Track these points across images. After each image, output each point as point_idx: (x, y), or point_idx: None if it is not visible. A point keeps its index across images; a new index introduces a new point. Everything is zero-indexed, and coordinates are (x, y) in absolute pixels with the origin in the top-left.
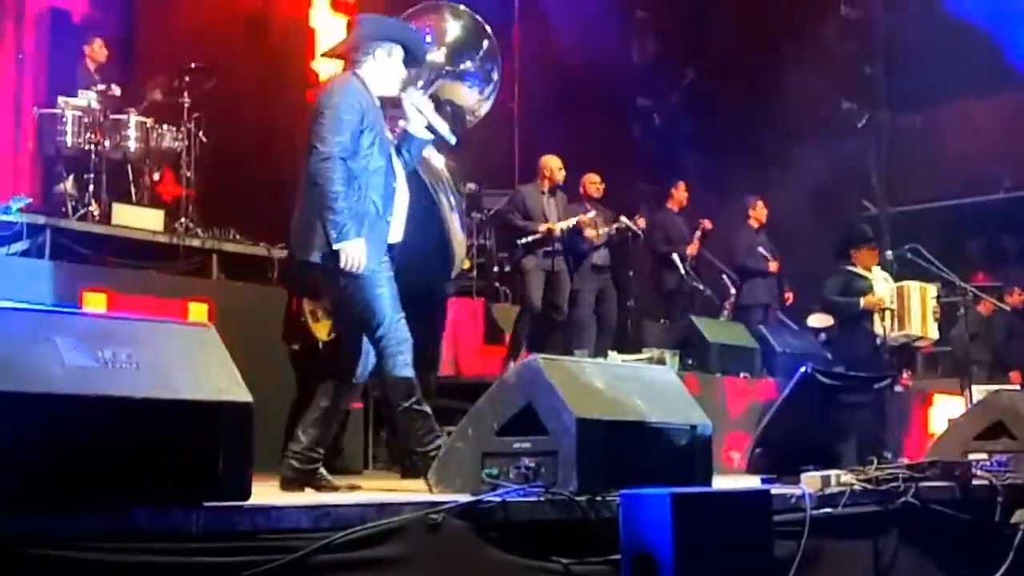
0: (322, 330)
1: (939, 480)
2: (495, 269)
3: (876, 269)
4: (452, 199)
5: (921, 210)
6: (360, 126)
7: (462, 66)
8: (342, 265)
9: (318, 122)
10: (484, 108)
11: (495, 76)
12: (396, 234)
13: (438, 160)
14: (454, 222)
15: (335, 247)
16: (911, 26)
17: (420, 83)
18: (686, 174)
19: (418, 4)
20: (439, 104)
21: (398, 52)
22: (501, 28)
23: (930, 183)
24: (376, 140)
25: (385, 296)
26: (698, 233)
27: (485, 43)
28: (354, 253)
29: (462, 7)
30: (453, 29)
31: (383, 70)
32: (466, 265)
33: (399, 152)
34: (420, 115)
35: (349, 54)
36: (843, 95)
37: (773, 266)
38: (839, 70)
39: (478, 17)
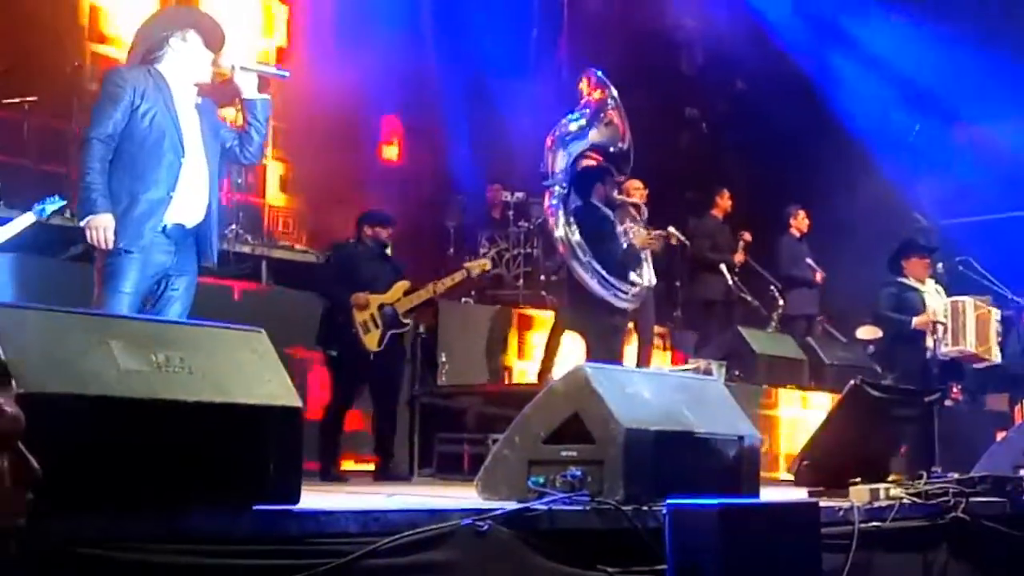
0: (372, 341)
1: (990, 495)
2: (541, 278)
3: (929, 281)
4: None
5: (973, 223)
6: (132, 105)
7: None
8: (88, 240)
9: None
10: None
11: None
12: (193, 213)
13: (613, 189)
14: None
15: (80, 223)
16: (965, 37)
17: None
18: (734, 184)
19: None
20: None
21: (192, 35)
22: (549, 38)
23: (982, 195)
24: (153, 115)
25: (124, 291)
26: (741, 243)
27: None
28: (98, 226)
29: (599, 73)
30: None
31: (184, 58)
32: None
33: (249, 124)
34: (249, 75)
35: (148, 56)
36: (895, 106)
37: (819, 277)
38: (890, 81)
39: (599, 74)
